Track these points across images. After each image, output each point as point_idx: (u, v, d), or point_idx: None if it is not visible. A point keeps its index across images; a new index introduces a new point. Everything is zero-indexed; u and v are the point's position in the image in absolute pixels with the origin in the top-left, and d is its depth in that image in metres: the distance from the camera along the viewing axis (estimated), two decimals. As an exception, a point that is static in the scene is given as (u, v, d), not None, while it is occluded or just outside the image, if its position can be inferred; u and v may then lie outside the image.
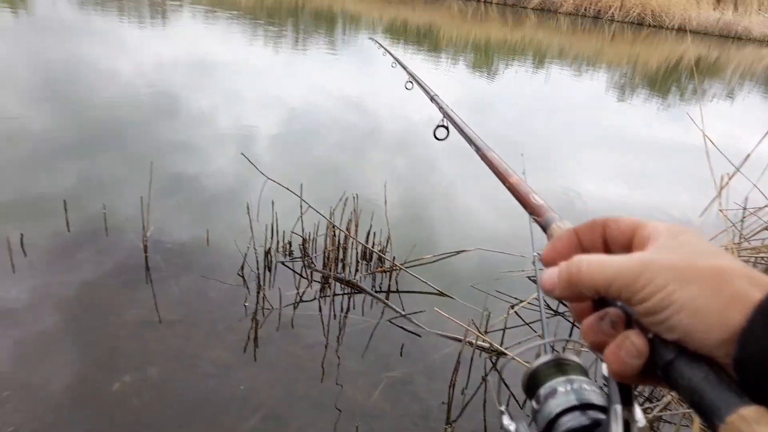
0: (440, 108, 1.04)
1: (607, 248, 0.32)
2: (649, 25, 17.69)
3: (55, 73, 4.27)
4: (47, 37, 5.57)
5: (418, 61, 7.24)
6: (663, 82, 8.98)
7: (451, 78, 6.60)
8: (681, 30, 17.40)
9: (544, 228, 0.41)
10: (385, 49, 1.90)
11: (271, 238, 2.06)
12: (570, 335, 1.91)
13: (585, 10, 18.17)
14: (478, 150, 0.88)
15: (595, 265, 0.28)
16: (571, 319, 1.98)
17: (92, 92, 3.84)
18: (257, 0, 11.52)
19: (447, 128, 1.00)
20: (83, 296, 1.74)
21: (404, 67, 1.89)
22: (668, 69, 10.44)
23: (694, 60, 11.87)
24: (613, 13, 17.93)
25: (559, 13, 18.10)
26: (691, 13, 17.63)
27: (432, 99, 1.18)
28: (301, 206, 2.06)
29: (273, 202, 2.09)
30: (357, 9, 13.31)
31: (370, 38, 3.66)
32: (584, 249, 0.32)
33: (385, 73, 5.17)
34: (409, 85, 1.52)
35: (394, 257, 2.06)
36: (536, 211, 0.44)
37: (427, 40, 9.77)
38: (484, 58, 8.97)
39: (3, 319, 1.60)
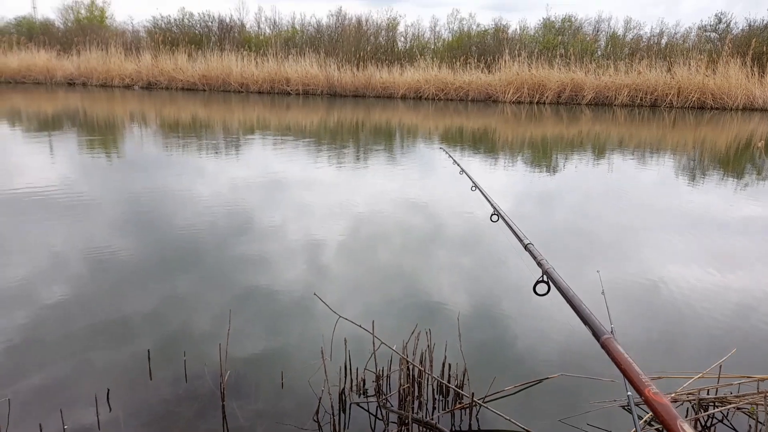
0: (538, 262, 1.05)
1: None
2: (711, 108, 17.40)
3: (141, 204, 4.73)
4: (136, 172, 6.20)
5: (477, 162, 7.39)
6: (736, 162, 8.64)
7: (511, 175, 6.66)
8: (747, 109, 16.98)
9: None
10: (456, 162, 1.93)
11: (345, 378, 2.03)
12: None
13: (641, 100, 18.25)
14: (573, 306, 0.88)
15: None
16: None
17: (173, 220, 4.15)
18: (320, 124, 12.41)
19: (548, 285, 1.00)
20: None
21: (489, 200, 1.91)
22: (739, 148, 10.07)
23: (766, 137, 11.43)
24: (671, 100, 17.87)
25: (615, 105, 18.25)
26: (755, 91, 17.26)
27: (526, 247, 1.20)
28: (373, 343, 2.04)
29: (345, 340, 2.08)
30: (413, 121, 14.01)
31: (441, 148, 3.81)
32: None
33: (464, 193, 5.27)
34: (494, 218, 1.54)
35: (473, 393, 1.95)
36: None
37: (483, 144, 10.02)
38: (543, 154, 9.04)
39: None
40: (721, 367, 2.05)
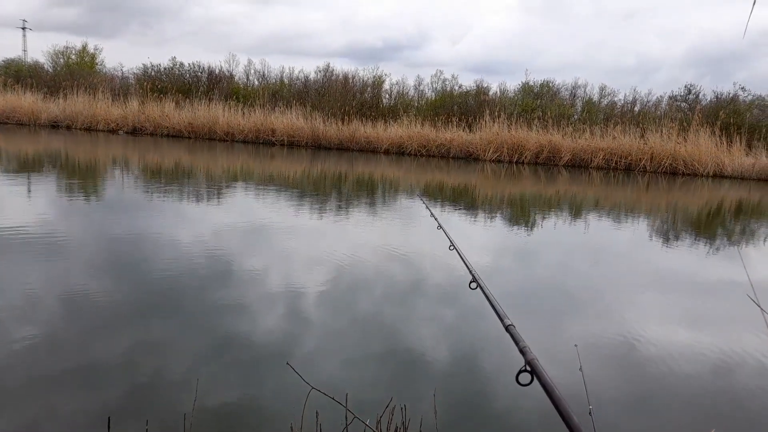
0: (520, 349, 1.06)
1: None
2: (683, 174, 18.03)
3: (119, 245, 4.69)
4: (115, 216, 6.12)
5: (456, 217, 7.45)
6: (707, 225, 8.88)
7: (489, 231, 6.71)
8: (717, 176, 17.63)
9: None
10: (432, 213, 1.94)
11: (316, 453, 1.94)
12: None
13: (616, 163, 18.85)
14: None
15: None
16: None
17: (149, 263, 4.05)
18: (303, 174, 12.49)
19: (532, 375, 0.98)
20: None
21: (468, 266, 1.92)
22: (710, 213, 10.37)
23: (735, 203, 11.82)
24: (644, 165, 18.48)
25: (591, 167, 18.79)
26: (723, 159, 17.99)
27: (507, 329, 1.21)
28: (346, 417, 1.96)
29: (317, 413, 2.00)
30: (396, 174, 14.20)
31: (418, 195, 3.83)
32: None
33: (443, 251, 5.26)
34: (473, 285, 1.54)
35: (448, 473, 1.88)
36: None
37: (464, 199, 10.15)
38: (521, 211, 9.17)
39: None
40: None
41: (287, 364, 2.07)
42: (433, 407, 2.05)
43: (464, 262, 2.29)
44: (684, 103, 23.62)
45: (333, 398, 1.96)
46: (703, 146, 18.07)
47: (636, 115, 22.63)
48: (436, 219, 2.86)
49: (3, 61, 29.14)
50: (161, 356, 2.76)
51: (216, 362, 2.74)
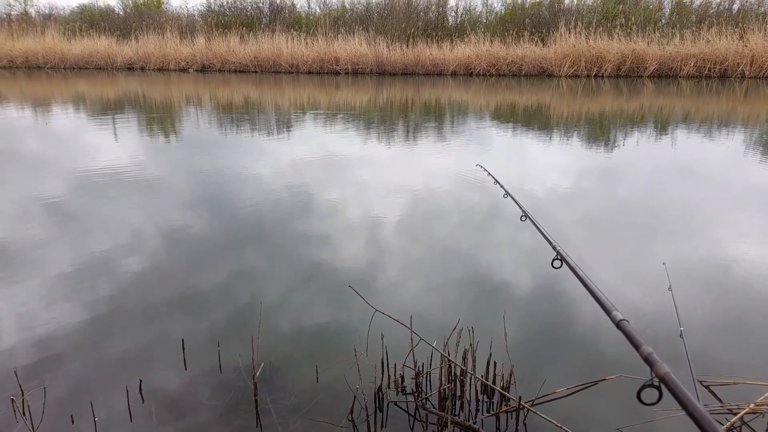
0: (645, 357, 0.82)
1: None
2: (790, 77, 16.05)
3: (206, 182, 4.90)
4: (199, 154, 6.34)
5: (527, 141, 7.06)
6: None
7: (566, 152, 6.32)
8: (831, 78, 15.58)
9: None
10: (497, 181, 1.77)
11: (382, 375, 1.92)
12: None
13: (709, 70, 17.04)
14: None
15: None
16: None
17: (233, 197, 4.15)
18: (370, 103, 12.25)
19: (660, 391, 0.78)
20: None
21: (553, 244, 1.74)
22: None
23: None
24: (743, 70, 16.59)
25: (680, 77, 17.14)
26: (840, 58, 15.77)
27: (618, 325, 0.98)
28: (411, 339, 1.91)
29: (382, 335, 1.96)
30: (464, 98, 13.63)
31: (478, 165, 3.61)
32: None
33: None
34: (556, 264, 1.36)
35: (520, 396, 1.79)
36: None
37: (537, 120, 9.60)
38: (600, 130, 8.56)
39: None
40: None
41: (349, 286, 2.03)
42: (503, 328, 1.95)
43: (544, 235, 2.08)
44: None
45: (398, 320, 1.91)
46: (817, 44, 15.88)
47: (735, 14, 20.09)
48: (500, 185, 2.62)
49: (78, 6, 30.12)
50: (227, 291, 2.82)
51: (289, 288, 2.77)
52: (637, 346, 0.83)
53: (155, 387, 1.96)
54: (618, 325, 0.92)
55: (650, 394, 0.76)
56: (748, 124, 8.91)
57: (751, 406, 1.76)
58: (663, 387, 0.73)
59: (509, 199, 2.42)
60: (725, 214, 4.11)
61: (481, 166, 3.33)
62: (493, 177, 2.79)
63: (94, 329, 2.36)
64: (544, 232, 1.56)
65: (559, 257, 1.35)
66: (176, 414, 1.83)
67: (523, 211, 1.88)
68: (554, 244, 1.39)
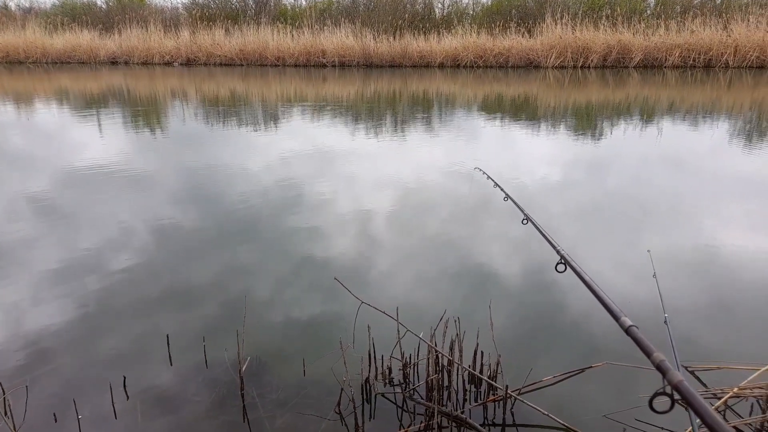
0: (657, 365, 0.79)
1: None
2: (773, 67, 16.22)
3: (193, 176, 4.84)
4: (186, 148, 6.31)
5: (515, 130, 7.07)
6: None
7: (553, 142, 6.34)
8: (813, 67, 15.76)
9: None
10: (497, 184, 1.76)
11: (369, 367, 1.91)
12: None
13: (693, 60, 17.17)
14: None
15: None
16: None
17: (220, 190, 4.10)
18: (357, 95, 12.19)
19: (672, 400, 0.77)
20: (180, 442, 1.68)
21: (534, 224, 1.74)
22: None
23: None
24: (726, 60, 16.73)
25: (665, 67, 17.26)
26: (822, 47, 15.96)
27: (627, 331, 0.96)
28: (398, 330, 1.90)
29: (369, 327, 1.96)
30: (452, 89, 13.62)
31: (477, 168, 3.60)
32: None
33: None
34: (560, 268, 1.35)
35: (507, 384, 1.80)
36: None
37: (524, 111, 9.62)
38: (587, 120, 8.60)
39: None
40: (791, 358, 1.82)
41: (335, 278, 2.02)
42: (489, 318, 1.94)
43: (547, 239, 2.09)
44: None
45: (384, 312, 1.90)
46: (799, 34, 16.05)
47: (718, 5, 20.23)
48: (499, 186, 2.60)
49: (59, 0, 29.59)
50: (212, 285, 2.80)
51: (276, 282, 2.75)
52: (648, 353, 0.81)
53: (140, 383, 1.93)
54: (627, 331, 0.90)
55: (662, 404, 0.76)
56: (732, 114, 8.99)
57: (735, 390, 1.78)
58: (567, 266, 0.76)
59: (498, 189, 2.41)
60: (710, 203, 4.14)
61: (480, 169, 3.33)
62: (493, 180, 2.79)
63: (77, 326, 2.32)
64: (547, 236, 1.55)
65: (563, 261, 1.33)
66: (162, 410, 1.81)
67: (525, 215, 1.89)
68: (558, 248, 1.37)
